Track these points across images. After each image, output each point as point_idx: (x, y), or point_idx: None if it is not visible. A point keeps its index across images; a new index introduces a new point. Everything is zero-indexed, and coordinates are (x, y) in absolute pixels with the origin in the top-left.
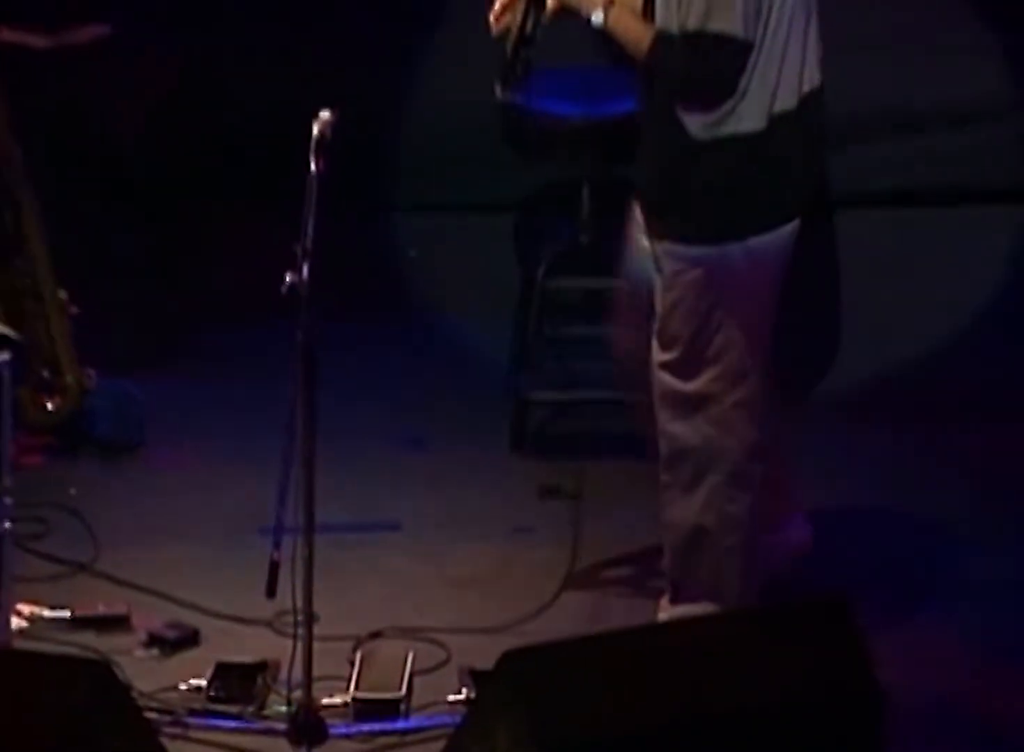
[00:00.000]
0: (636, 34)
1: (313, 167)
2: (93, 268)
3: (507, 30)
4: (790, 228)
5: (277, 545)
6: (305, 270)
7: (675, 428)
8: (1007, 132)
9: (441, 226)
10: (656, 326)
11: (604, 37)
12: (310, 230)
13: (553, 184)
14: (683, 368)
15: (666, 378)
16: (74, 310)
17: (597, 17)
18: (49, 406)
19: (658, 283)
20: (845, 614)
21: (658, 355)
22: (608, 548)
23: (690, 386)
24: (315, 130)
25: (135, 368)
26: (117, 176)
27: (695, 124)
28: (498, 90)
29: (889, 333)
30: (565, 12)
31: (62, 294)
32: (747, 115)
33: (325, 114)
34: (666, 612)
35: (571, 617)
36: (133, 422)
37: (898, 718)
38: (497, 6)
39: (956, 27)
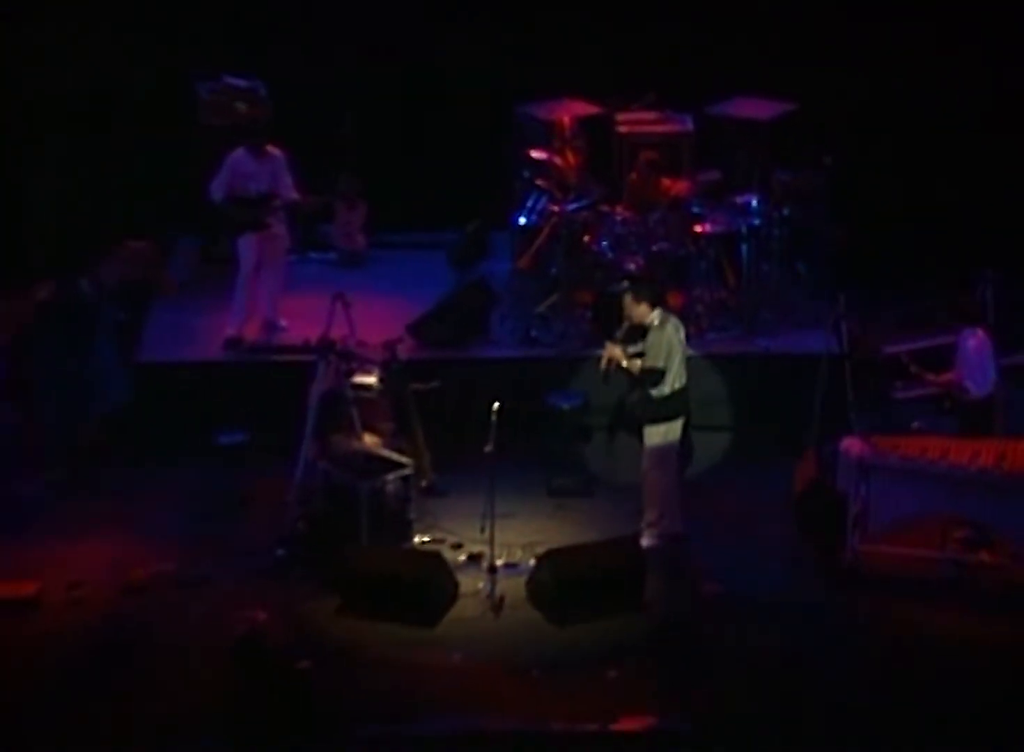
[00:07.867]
0: (636, 369)
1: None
2: None
3: (603, 369)
4: (679, 423)
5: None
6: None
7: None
8: None
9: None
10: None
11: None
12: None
13: None
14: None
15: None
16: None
17: (624, 363)
18: (423, 483)
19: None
20: (637, 542)
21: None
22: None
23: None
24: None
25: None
26: None
27: (655, 392)
28: (603, 384)
29: None
30: (618, 363)
31: (427, 455)
32: (667, 390)
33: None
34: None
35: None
36: (442, 491)
37: None
38: (604, 365)
39: None
